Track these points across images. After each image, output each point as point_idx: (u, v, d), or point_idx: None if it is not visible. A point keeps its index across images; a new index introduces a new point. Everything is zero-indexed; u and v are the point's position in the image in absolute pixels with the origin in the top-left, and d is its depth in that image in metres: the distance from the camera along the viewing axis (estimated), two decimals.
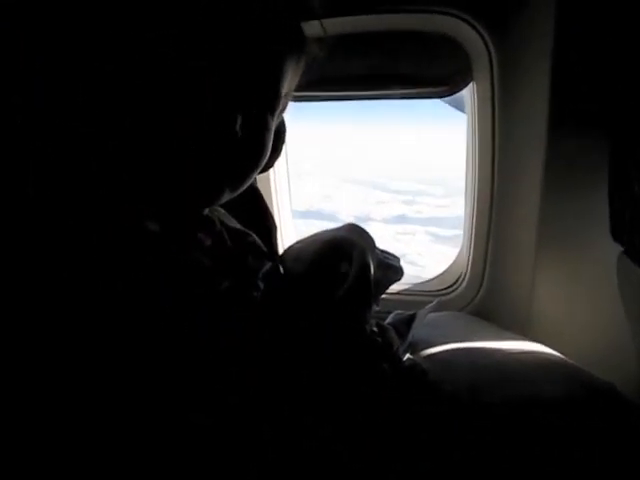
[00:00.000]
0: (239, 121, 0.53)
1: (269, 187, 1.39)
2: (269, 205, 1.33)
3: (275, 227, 0.87)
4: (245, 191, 0.64)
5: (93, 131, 0.53)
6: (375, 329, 0.71)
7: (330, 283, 0.67)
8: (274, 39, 0.56)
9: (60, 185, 0.52)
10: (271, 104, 0.58)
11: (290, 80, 0.61)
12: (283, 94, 0.59)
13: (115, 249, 0.50)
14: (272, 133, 0.59)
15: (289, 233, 1.52)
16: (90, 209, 0.52)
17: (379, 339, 0.70)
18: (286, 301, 0.65)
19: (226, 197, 0.59)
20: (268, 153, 0.60)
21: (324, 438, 0.58)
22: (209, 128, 0.52)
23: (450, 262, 1.37)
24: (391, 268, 0.81)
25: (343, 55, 1.15)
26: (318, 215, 5.29)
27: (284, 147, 0.80)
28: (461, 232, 1.30)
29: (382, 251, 0.83)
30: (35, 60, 0.52)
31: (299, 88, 1.19)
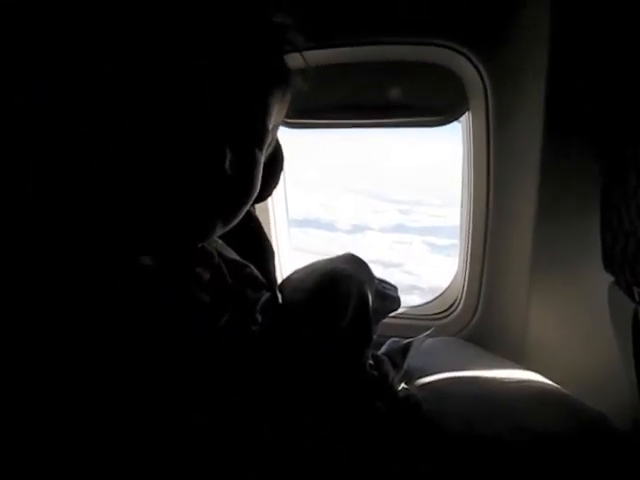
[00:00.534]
0: (228, 157, 0.53)
1: None
2: (266, 215, 1.35)
3: (273, 254, 0.88)
4: (243, 219, 0.64)
5: (93, 131, 0.52)
6: (371, 362, 0.72)
7: (329, 317, 0.68)
8: (258, 74, 0.56)
9: (60, 185, 0.52)
10: (259, 139, 0.58)
11: (277, 113, 0.61)
12: (270, 128, 0.59)
13: (109, 283, 0.50)
14: (261, 167, 0.59)
15: (284, 243, 1.53)
16: (90, 211, 0.52)
17: (375, 372, 0.71)
18: (285, 335, 0.66)
19: (219, 231, 0.59)
20: (258, 187, 0.59)
21: (324, 438, 0.59)
22: (199, 164, 0.52)
23: (445, 277, 1.38)
24: (388, 298, 0.82)
25: (337, 84, 1.16)
26: (316, 224, 5.28)
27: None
28: (457, 242, 1.30)
29: (380, 280, 0.84)
30: (35, 60, 0.52)
31: (295, 116, 1.20)
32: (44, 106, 0.52)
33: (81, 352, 0.46)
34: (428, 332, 0.91)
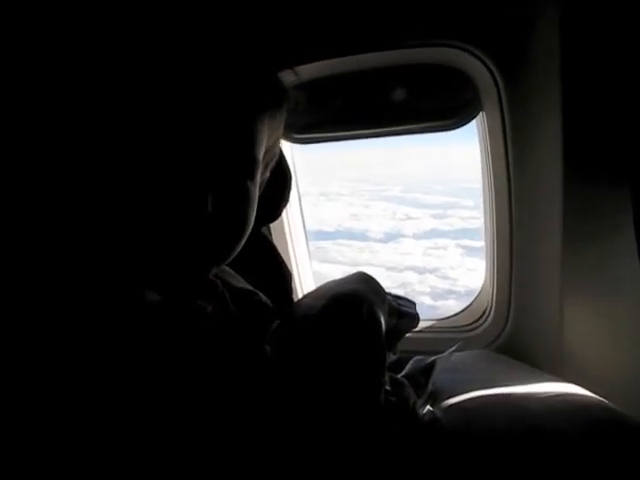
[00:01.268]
0: (210, 201, 0.51)
1: None
2: (281, 229, 1.33)
3: (290, 276, 0.86)
4: (256, 243, 0.63)
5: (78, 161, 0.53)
6: (388, 388, 0.69)
7: (339, 344, 0.65)
8: (243, 100, 0.54)
9: (60, 187, 0.53)
10: (248, 170, 0.56)
11: (268, 136, 0.59)
12: (260, 157, 0.58)
13: (112, 322, 0.50)
14: (255, 198, 0.58)
15: (303, 256, 1.50)
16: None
17: (393, 398, 0.67)
18: (295, 364, 0.64)
19: (214, 270, 0.59)
20: (252, 221, 0.58)
21: (338, 466, 0.57)
22: (180, 212, 0.51)
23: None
24: (406, 316, 0.79)
25: (346, 94, 1.15)
26: (348, 235, 5.27)
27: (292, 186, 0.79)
28: None
29: (397, 297, 0.81)
30: None
31: (303, 131, 1.19)
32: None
33: (82, 352, 0.46)
34: (453, 348, 0.87)
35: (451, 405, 0.79)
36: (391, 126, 1.17)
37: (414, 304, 0.82)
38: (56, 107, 0.53)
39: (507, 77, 1.02)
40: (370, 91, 1.15)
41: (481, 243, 1.26)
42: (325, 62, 1.09)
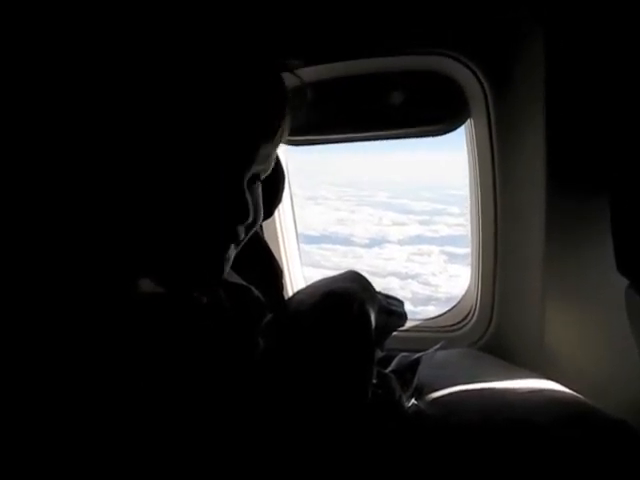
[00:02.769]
0: (222, 212, 0.54)
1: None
2: (274, 231, 1.36)
3: (281, 274, 0.88)
4: (249, 241, 0.65)
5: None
6: (375, 380, 0.71)
7: (329, 339, 0.67)
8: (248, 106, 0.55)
9: (61, 190, 0.53)
10: (250, 181, 0.59)
11: (271, 151, 0.61)
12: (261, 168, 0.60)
13: (108, 310, 0.51)
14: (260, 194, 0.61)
15: (294, 258, 1.52)
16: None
17: (380, 391, 0.70)
18: (287, 358, 0.66)
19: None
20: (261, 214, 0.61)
21: (327, 457, 0.58)
22: (191, 220, 0.54)
23: (463, 286, 1.37)
24: (394, 314, 0.81)
25: (335, 98, 1.17)
26: (333, 239, 5.27)
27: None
28: None
29: (386, 296, 0.84)
30: None
31: (297, 133, 1.21)
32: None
33: (81, 352, 0.47)
34: (438, 346, 0.90)
35: (435, 398, 0.82)
36: (381, 130, 1.20)
37: (402, 303, 0.85)
38: (56, 109, 0.54)
39: (495, 86, 1.06)
40: (361, 96, 1.18)
41: (464, 250, 1.29)
42: (318, 67, 1.11)
